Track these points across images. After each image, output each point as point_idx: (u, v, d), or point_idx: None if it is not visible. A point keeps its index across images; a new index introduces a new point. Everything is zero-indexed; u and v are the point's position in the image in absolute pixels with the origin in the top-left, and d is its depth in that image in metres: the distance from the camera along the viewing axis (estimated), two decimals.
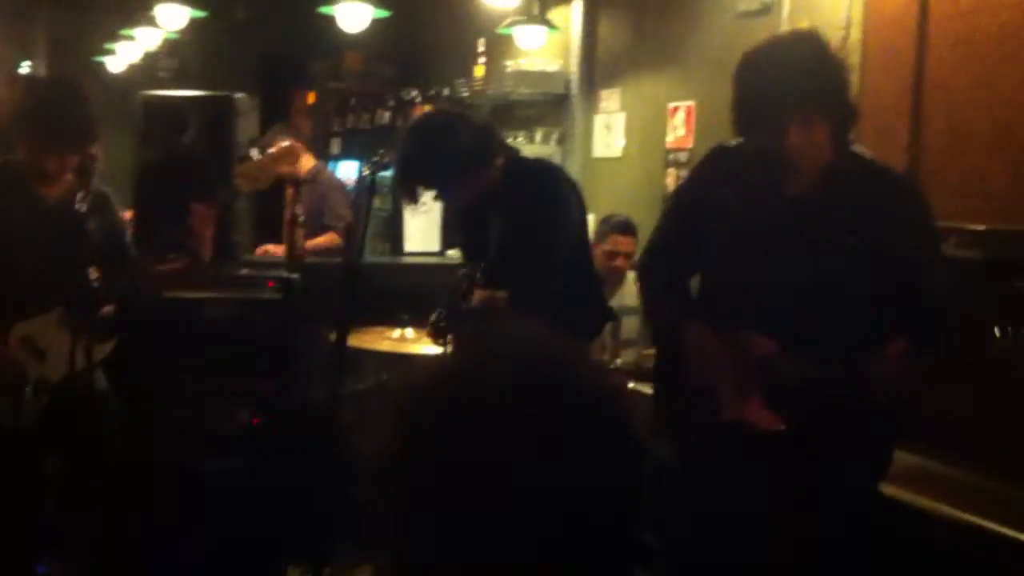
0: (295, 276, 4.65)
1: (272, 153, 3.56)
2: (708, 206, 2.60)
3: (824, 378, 2.30)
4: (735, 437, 2.40)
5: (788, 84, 2.36)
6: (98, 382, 3.48)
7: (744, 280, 2.50)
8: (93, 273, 3.31)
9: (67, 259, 3.21)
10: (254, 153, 4.30)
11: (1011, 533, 2.15)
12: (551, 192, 3.28)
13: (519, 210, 3.21)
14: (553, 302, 2.94)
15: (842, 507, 2.36)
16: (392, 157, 3.33)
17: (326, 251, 5.42)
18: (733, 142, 2.61)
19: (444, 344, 3.40)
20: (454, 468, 1.02)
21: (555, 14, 5.77)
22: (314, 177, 6.09)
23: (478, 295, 3.23)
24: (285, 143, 5.47)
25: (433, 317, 3.42)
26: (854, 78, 3.81)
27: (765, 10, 4.32)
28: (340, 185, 6.21)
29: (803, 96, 2.36)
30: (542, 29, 5.66)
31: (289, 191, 5.96)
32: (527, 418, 1.02)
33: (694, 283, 2.77)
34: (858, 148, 2.54)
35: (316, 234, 5.61)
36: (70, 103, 3.33)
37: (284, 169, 5.46)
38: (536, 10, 5.64)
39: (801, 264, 2.41)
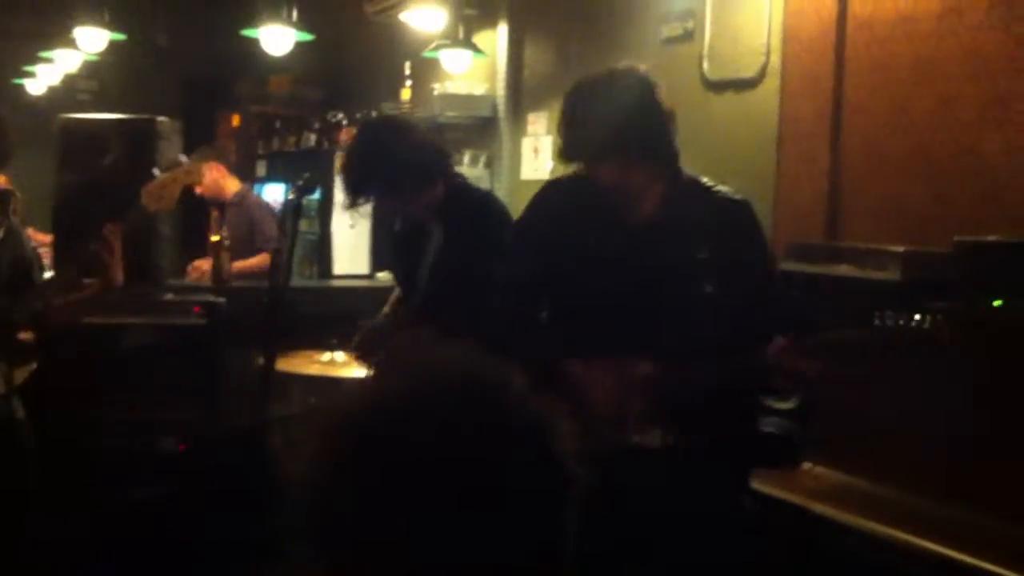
0: (221, 300, 4.60)
1: (174, 172, 3.51)
2: (551, 240, 2.64)
3: (716, 380, 2.35)
4: (626, 459, 2.43)
5: (603, 125, 2.44)
6: (16, 410, 3.39)
7: (602, 308, 2.54)
8: (3, 300, 3.24)
9: None
10: (157, 172, 4.25)
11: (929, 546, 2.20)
12: (494, 222, 3.26)
13: (461, 236, 3.18)
14: (491, 327, 2.93)
15: (730, 521, 2.41)
16: (318, 175, 3.30)
17: (258, 273, 5.36)
18: (565, 176, 2.67)
19: (368, 363, 3.39)
20: (375, 492, 1.02)
21: (480, 38, 5.80)
22: (240, 200, 6.03)
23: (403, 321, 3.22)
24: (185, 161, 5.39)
25: (356, 337, 3.41)
26: (773, 103, 3.91)
27: (687, 36, 4.40)
28: (268, 207, 6.17)
29: (616, 138, 2.44)
30: (468, 53, 5.69)
31: (214, 214, 5.91)
32: (450, 441, 1.02)
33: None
34: (692, 174, 2.62)
35: (244, 257, 5.56)
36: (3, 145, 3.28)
37: (194, 185, 5.40)
38: (461, 34, 5.66)
39: (657, 285, 2.47)
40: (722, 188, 2.60)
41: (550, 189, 2.79)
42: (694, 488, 2.38)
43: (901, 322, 2.06)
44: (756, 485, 2.38)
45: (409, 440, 1.03)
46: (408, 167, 3.13)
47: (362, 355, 3.42)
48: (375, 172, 3.18)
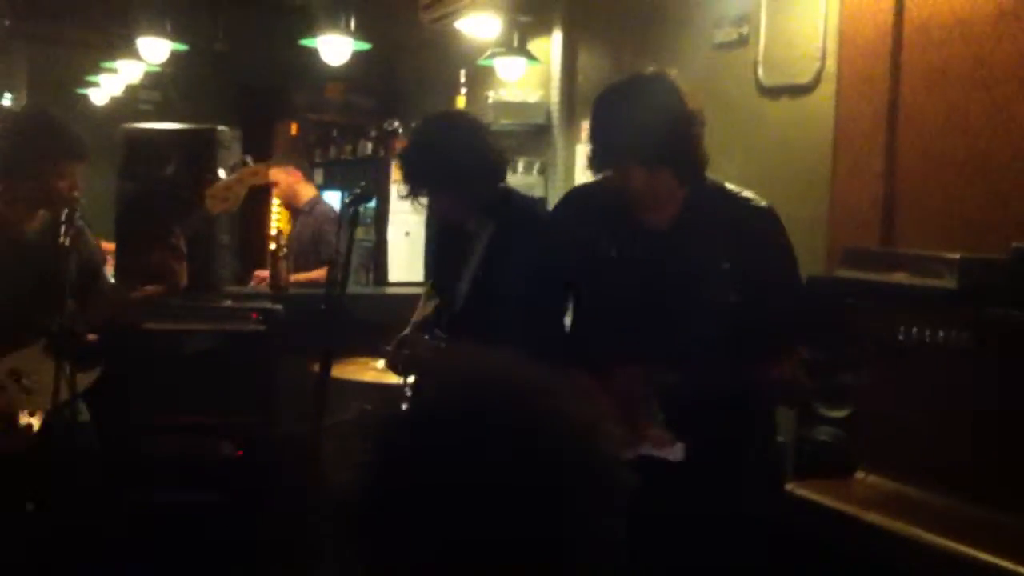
0: (278, 307, 4.66)
1: (239, 172, 3.56)
2: (573, 246, 2.65)
3: (722, 396, 2.34)
4: (647, 471, 2.41)
5: (631, 130, 2.45)
6: (81, 414, 3.47)
7: (621, 314, 2.55)
8: (72, 305, 3.32)
9: (47, 292, 3.21)
10: (222, 174, 4.33)
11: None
12: (542, 236, 3.11)
13: (510, 247, 3.09)
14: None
15: (744, 531, 2.39)
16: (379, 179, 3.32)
17: (314, 285, 5.43)
18: (589, 182, 2.67)
19: (402, 374, 3.39)
20: (420, 502, 1.02)
21: (535, 45, 5.82)
22: (311, 208, 6.13)
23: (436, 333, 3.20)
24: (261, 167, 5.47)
25: (391, 346, 3.38)
26: (829, 107, 3.89)
27: (742, 41, 4.38)
28: (334, 218, 6.24)
29: (642, 144, 2.45)
30: (522, 61, 5.71)
31: (280, 222, 5.99)
32: (495, 450, 1.02)
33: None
34: (717, 180, 2.61)
35: (310, 266, 5.63)
36: (43, 129, 3.36)
37: (259, 187, 5.47)
38: (516, 42, 5.69)
39: (677, 291, 2.48)
40: (747, 194, 2.59)
41: (572, 195, 2.80)
42: (709, 499, 2.37)
43: (927, 338, 2.04)
44: (806, 494, 2.37)
45: (453, 449, 1.03)
46: (463, 162, 3.07)
47: (395, 365, 3.42)
48: (431, 161, 3.12)
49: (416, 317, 3.57)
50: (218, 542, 4.24)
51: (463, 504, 1.00)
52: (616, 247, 2.57)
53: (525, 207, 3.28)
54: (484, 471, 1.01)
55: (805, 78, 4.01)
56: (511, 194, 3.31)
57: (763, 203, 2.57)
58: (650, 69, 2.58)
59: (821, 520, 2.32)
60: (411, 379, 3.42)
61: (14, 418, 3.23)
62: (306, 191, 6.22)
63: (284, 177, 6.20)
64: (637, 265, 2.53)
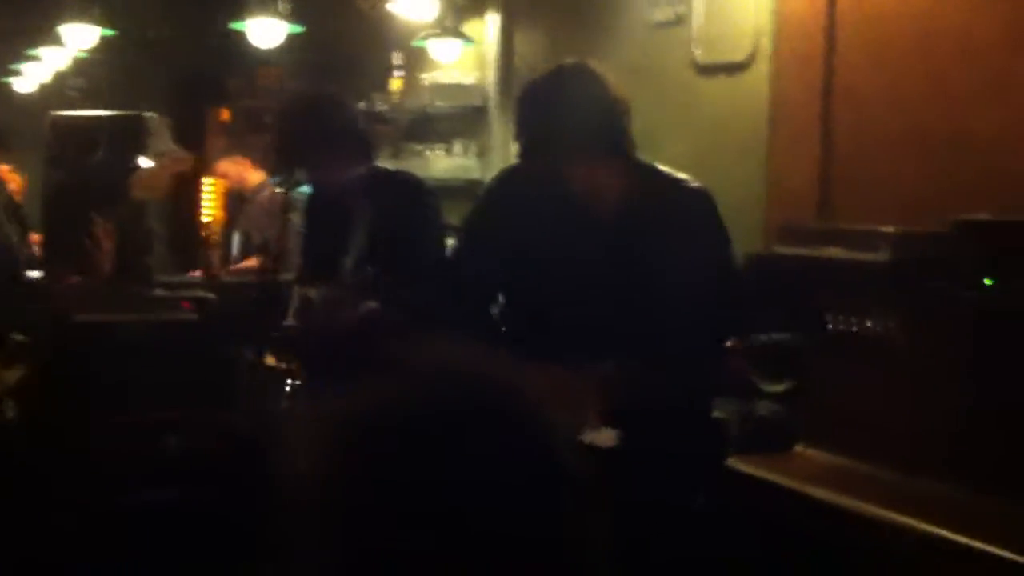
0: (211, 296, 4.57)
1: (162, 160, 3.51)
2: (507, 233, 2.60)
3: (669, 381, 2.34)
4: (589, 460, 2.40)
5: (563, 121, 2.44)
6: (8, 410, 3.37)
7: (558, 303, 2.52)
8: None
9: None
10: (145, 162, 4.25)
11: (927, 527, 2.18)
12: (419, 196, 3.33)
13: (391, 211, 3.21)
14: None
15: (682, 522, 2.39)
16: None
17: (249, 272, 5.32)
18: (521, 164, 2.64)
19: (287, 361, 3.34)
20: (378, 493, 1.01)
21: (470, 27, 5.77)
22: (255, 194, 6.01)
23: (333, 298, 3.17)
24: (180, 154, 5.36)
25: (278, 334, 3.35)
26: (763, 86, 3.89)
27: (678, 20, 4.37)
28: (274, 204, 6.12)
29: (578, 133, 2.43)
30: (458, 43, 5.65)
31: (213, 210, 5.88)
32: (453, 440, 1.01)
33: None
34: (650, 163, 2.59)
35: (254, 251, 5.52)
36: None
37: (186, 173, 5.37)
38: (451, 23, 5.63)
39: (614, 278, 2.46)
40: (681, 176, 2.57)
41: (504, 179, 2.76)
42: (645, 486, 2.36)
43: (854, 328, 2.04)
44: (748, 469, 2.36)
45: (410, 443, 1.02)
46: (326, 137, 3.24)
47: (281, 352, 3.37)
48: (294, 138, 3.32)
49: (292, 312, 3.48)
50: (174, 540, 4.16)
51: (438, 496, 1.00)
52: (549, 235, 2.53)
53: (403, 176, 3.46)
54: (449, 463, 1.01)
55: (740, 56, 4.01)
56: (383, 169, 3.48)
57: (696, 184, 2.56)
58: (570, 60, 2.57)
59: (764, 496, 2.32)
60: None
61: None
62: (253, 177, 6.10)
63: (232, 167, 6.09)
64: (570, 254, 2.50)
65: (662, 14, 4.48)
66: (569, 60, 2.57)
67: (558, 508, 1.07)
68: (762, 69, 3.92)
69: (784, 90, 3.82)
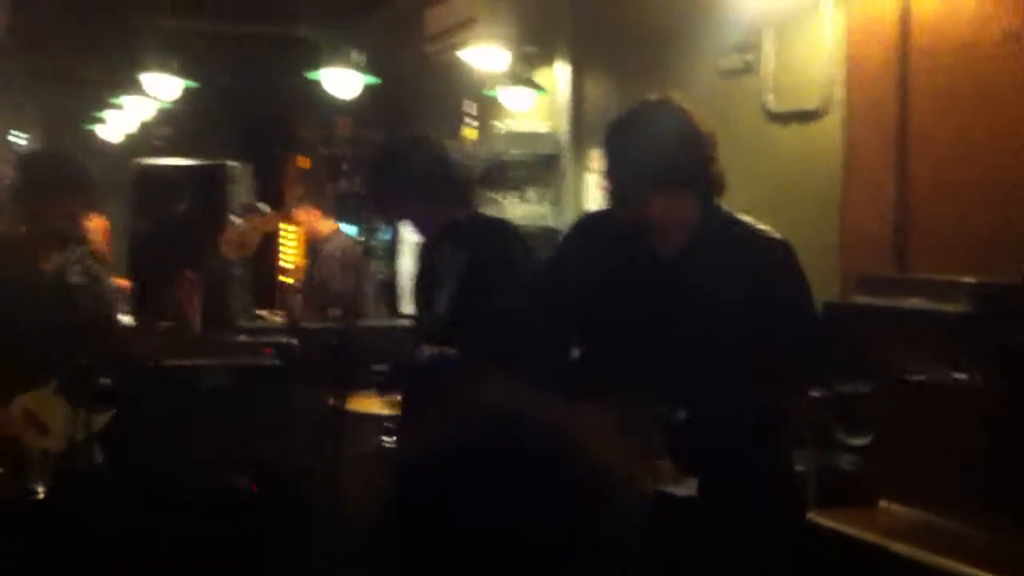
0: (292, 341, 4.68)
1: (253, 220, 3.61)
2: (580, 277, 2.62)
3: (733, 431, 2.33)
4: (658, 507, 2.41)
5: (648, 159, 2.42)
6: (96, 456, 3.47)
7: (624, 345, 2.51)
8: (85, 346, 3.33)
9: (61, 331, 3.23)
10: (236, 220, 4.36)
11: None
12: (508, 244, 3.26)
13: (470, 265, 3.18)
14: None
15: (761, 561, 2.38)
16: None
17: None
18: (599, 210, 2.65)
19: (390, 400, 3.39)
20: (437, 534, 1.03)
21: (541, 75, 5.85)
22: (326, 242, 6.15)
23: (426, 350, 3.20)
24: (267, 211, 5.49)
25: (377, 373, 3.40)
26: (837, 133, 3.90)
27: (748, 69, 4.40)
28: (346, 253, 6.24)
29: (662, 171, 2.41)
30: (529, 91, 5.74)
31: (294, 257, 6.00)
32: (500, 487, 1.03)
33: None
34: (730, 211, 2.57)
35: (330, 298, 5.64)
36: (64, 169, 3.41)
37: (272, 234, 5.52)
38: (522, 72, 5.72)
39: (681, 324, 2.44)
40: (760, 226, 2.54)
41: (582, 222, 2.79)
42: (726, 534, 2.36)
43: (933, 379, 2.03)
44: (828, 523, 2.36)
45: (472, 487, 1.05)
46: (421, 178, 3.21)
47: (383, 391, 3.43)
48: (388, 178, 3.29)
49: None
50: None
51: (481, 540, 1.02)
52: (620, 278, 2.54)
53: (495, 229, 3.34)
54: (502, 507, 1.03)
55: (813, 103, 4.03)
56: (480, 217, 3.41)
57: (777, 236, 2.53)
58: (654, 96, 2.58)
59: (845, 550, 2.31)
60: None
61: (27, 460, 3.23)
62: (324, 226, 6.25)
63: (304, 216, 6.25)
64: (645, 295, 2.51)
65: (731, 62, 4.51)
66: (653, 96, 2.55)
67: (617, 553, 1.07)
68: (835, 117, 3.93)
69: (857, 137, 3.82)
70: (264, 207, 3.62)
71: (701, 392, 2.38)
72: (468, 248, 3.22)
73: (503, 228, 3.44)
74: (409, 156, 3.31)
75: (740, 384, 2.36)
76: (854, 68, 3.85)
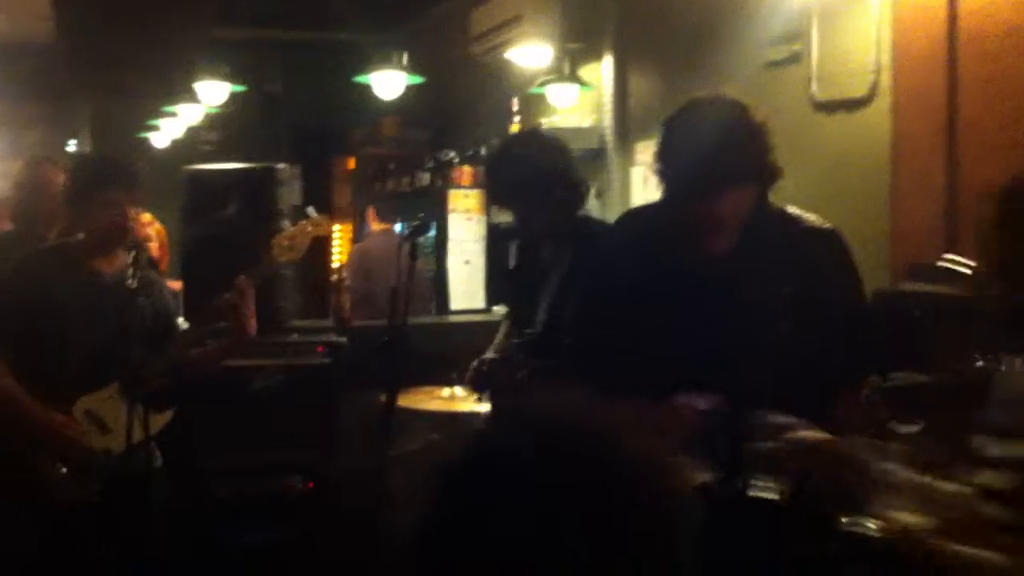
0: (342, 340, 4.72)
1: (303, 224, 3.65)
2: (625, 274, 2.60)
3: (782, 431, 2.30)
4: (701, 505, 2.38)
5: (718, 155, 2.39)
6: (155, 459, 3.51)
7: (676, 342, 2.48)
8: (145, 349, 3.39)
9: (122, 334, 3.28)
10: (286, 224, 4.41)
11: None
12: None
13: (582, 263, 3.17)
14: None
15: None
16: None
17: None
18: (643, 205, 2.63)
19: (480, 397, 3.42)
20: (484, 541, 1.02)
21: (586, 71, 5.86)
22: (375, 240, 6.22)
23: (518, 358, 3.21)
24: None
25: (472, 367, 3.42)
26: (886, 121, 3.86)
27: (794, 58, 4.37)
28: (386, 250, 6.31)
29: (734, 166, 2.39)
30: (574, 87, 5.75)
31: (342, 255, 6.07)
32: (565, 490, 1.02)
33: None
34: (778, 203, 2.55)
35: (379, 299, 5.70)
36: (107, 165, 3.48)
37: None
38: (567, 69, 5.73)
39: (733, 321, 2.40)
40: (809, 217, 2.53)
41: (626, 218, 2.77)
42: (775, 532, 2.34)
43: (984, 367, 2.00)
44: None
45: (527, 494, 1.03)
46: (547, 176, 3.21)
47: (476, 389, 3.47)
48: (519, 172, 3.26)
49: (497, 341, 3.62)
50: None
51: (537, 545, 1.01)
52: (670, 274, 2.52)
53: (602, 233, 3.31)
54: (558, 516, 1.02)
55: (860, 92, 3.99)
56: (589, 220, 3.42)
57: (827, 226, 2.51)
58: (702, 92, 2.57)
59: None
60: (484, 404, 3.45)
61: (90, 462, 3.29)
62: (375, 226, 6.33)
63: (371, 217, 6.36)
64: (696, 293, 2.49)
65: (778, 53, 4.49)
66: (701, 92, 2.54)
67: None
68: (883, 104, 3.90)
69: (906, 125, 3.78)
70: (312, 211, 3.65)
71: (754, 389, 2.35)
72: (574, 251, 3.23)
73: (604, 231, 3.43)
74: (528, 151, 3.31)
75: (794, 379, 2.32)
76: (901, 55, 3.81)
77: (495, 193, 3.37)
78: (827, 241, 2.50)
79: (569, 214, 3.32)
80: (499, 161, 3.42)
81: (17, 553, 3.28)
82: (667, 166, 2.50)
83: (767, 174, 2.48)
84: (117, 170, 3.44)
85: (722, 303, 2.45)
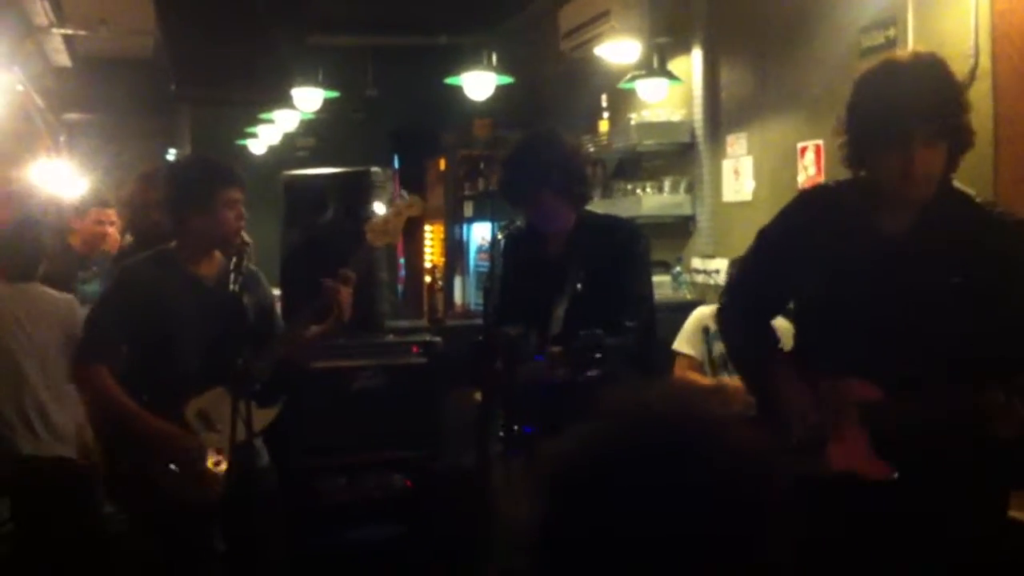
0: (437, 339, 4.77)
1: (396, 205, 3.71)
2: (798, 247, 2.55)
3: (933, 420, 2.25)
4: (844, 487, 2.34)
5: (914, 103, 2.28)
6: (261, 458, 3.58)
7: (842, 322, 2.44)
8: (250, 347, 3.45)
9: (227, 336, 3.35)
10: (380, 208, 4.47)
11: None
12: (633, 244, 3.43)
13: (603, 260, 3.30)
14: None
15: (956, 553, 2.30)
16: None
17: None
18: (823, 184, 2.58)
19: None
20: (597, 542, 1.02)
21: (675, 65, 5.81)
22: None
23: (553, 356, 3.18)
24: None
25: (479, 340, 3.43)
26: (986, 105, 3.76)
27: (889, 44, 4.28)
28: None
29: (929, 115, 2.28)
30: (663, 82, 5.71)
31: (434, 256, 6.12)
32: (673, 488, 1.01)
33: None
34: (958, 185, 2.46)
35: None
36: (206, 164, 3.57)
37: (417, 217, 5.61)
38: (656, 63, 5.70)
39: (901, 303, 2.35)
40: (997, 209, 2.42)
41: (807, 196, 2.72)
42: (921, 524, 2.29)
43: None
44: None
45: (630, 488, 1.03)
46: (551, 170, 3.31)
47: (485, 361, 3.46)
48: (520, 167, 3.38)
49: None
50: None
51: (660, 548, 1.00)
52: (841, 253, 2.45)
53: (614, 226, 3.51)
54: (663, 512, 1.01)
55: (959, 76, 3.88)
56: (593, 215, 3.54)
57: (1018, 219, 2.39)
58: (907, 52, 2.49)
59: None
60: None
61: (206, 464, 3.36)
62: None
63: None
64: (867, 271, 2.41)
65: (872, 39, 4.40)
66: (903, 52, 2.49)
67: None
68: (982, 88, 3.80)
69: (1008, 109, 3.68)
70: (405, 194, 3.70)
71: (911, 378, 2.31)
72: (591, 248, 3.28)
73: (623, 226, 3.54)
74: (541, 148, 3.39)
75: (953, 373, 2.27)
76: (1000, 37, 3.71)
77: (508, 190, 3.46)
78: (1013, 232, 2.37)
79: (573, 208, 3.43)
80: (509, 160, 3.50)
81: (146, 559, 3.39)
82: (859, 121, 2.40)
83: (963, 136, 2.38)
84: (218, 167, 3.54)
85: (890, 284, 2.38)
